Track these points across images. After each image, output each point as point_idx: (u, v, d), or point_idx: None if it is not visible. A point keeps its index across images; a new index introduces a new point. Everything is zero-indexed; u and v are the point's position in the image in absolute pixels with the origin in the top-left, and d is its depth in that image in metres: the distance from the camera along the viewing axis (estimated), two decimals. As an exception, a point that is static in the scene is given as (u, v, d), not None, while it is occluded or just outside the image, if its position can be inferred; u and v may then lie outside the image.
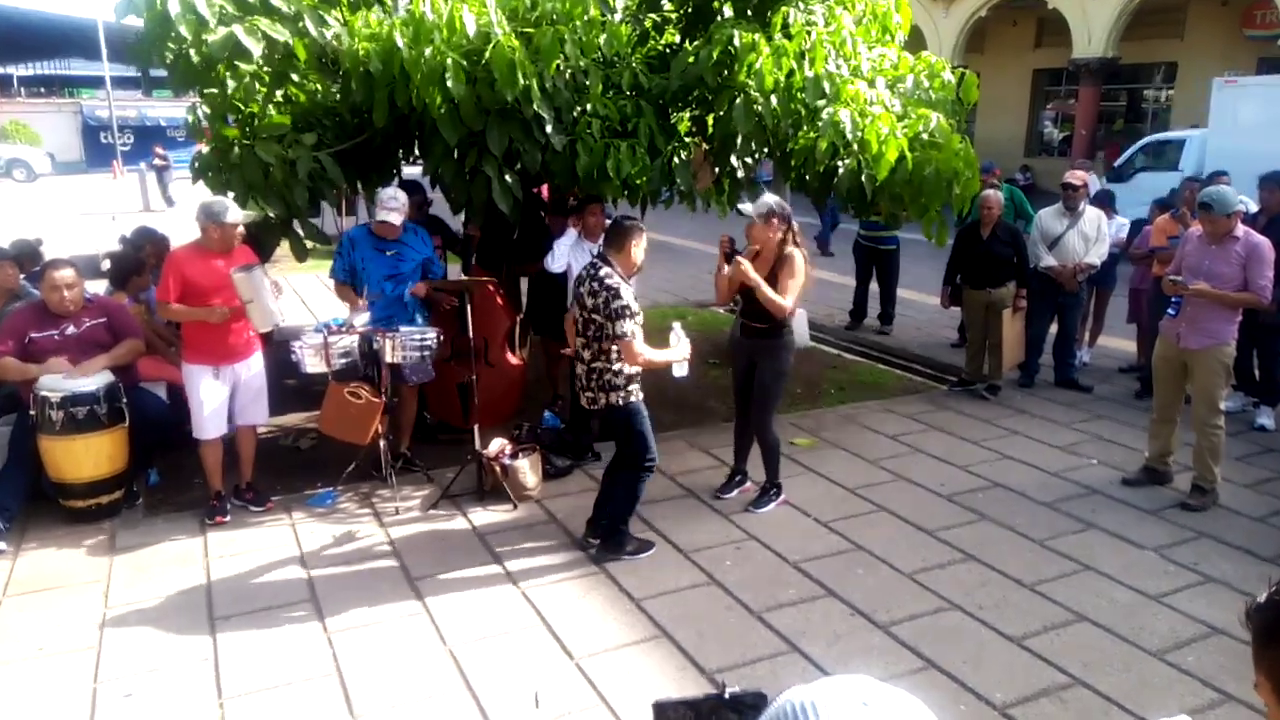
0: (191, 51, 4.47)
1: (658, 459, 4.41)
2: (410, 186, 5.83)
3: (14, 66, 39.75)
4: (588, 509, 4.60)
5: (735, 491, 5.11)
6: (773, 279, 4.66)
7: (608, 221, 5.08)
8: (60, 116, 33.73)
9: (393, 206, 5.00)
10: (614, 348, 4.14)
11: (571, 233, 5.71)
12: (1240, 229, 4.86)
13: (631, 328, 4.07)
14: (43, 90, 40.52)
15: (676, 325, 4.37)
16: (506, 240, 6.28)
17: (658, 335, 4.59)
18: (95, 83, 34.89)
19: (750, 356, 4.91)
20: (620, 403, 4.21)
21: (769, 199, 4.72)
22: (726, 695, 1.25)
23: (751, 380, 4.91)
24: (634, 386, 4.25)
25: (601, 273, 4.14)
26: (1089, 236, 6.83)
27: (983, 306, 6.85)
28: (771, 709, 0.89)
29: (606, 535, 4.39)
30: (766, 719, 0.89)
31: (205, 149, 5.14)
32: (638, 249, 4.28)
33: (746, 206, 4.74)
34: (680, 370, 4.36)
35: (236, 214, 4.57)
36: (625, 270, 4.23)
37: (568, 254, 5.63)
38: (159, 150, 22.46)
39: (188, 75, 4.68)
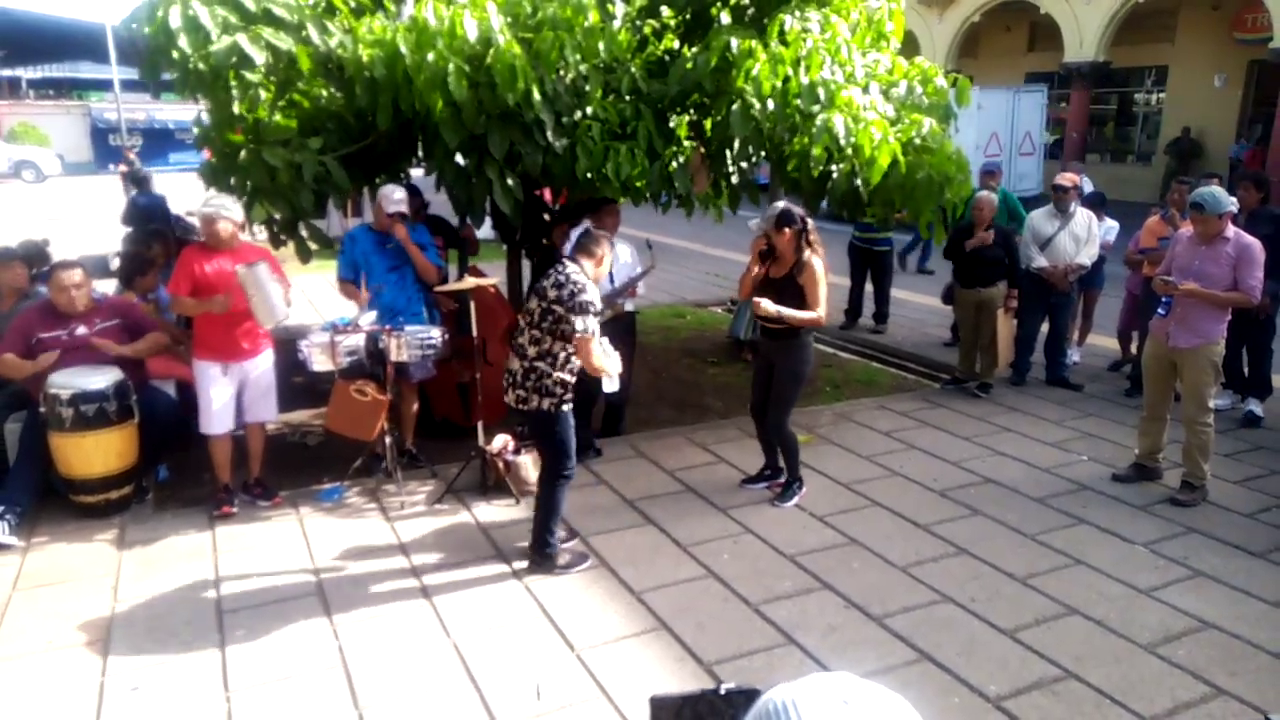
0: (199, 63, 4.54)
1: (575, 471, 4.30)
2: (409, 190, 5.92)
3: (23, 69, 39.61)
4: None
5: (762, 485, 5.20)
6: (793, 284, 4.74)
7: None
8: (69, 118, 33.74)
9: (398, 199, 5.13)
10: (561, 351, 4.06)
11: (586, 224, 5.84)
12: (1230, 229, 4.94)
13: (591, 325, 3.99)
14: (51, 92, 40.35)
15: (605, 341, 4.22)
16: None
17: (656, 332, 4.65)
18: (104, 85, 34.78)
19: (769, 358, 5.00)
20: (551, 410, 4.10)
21: (779, 206, 4.79)
22: (722, 691, 1.27)
23: (769, 381, 5.00)
24: (568, 396, 4.16)
25: (570, 268, 4.08)
26: (1080, 237, 6.93)
27: (973, 306, 6.95)
28: (755, 707, 0.91)
29: (535, 549, 4.25)
30: (751, 717, 0.91)
31: (212, 157, 5.22)
32: (607, 259, 4.28)
33: (754, 222, 4.79)
34: (610, 385, 4.27)
35: (213, 207, 4.61)
36: (593, 276, 4.17)
37: None
38: (129, 155, 21.06)
39: (194, 85, 4.75)
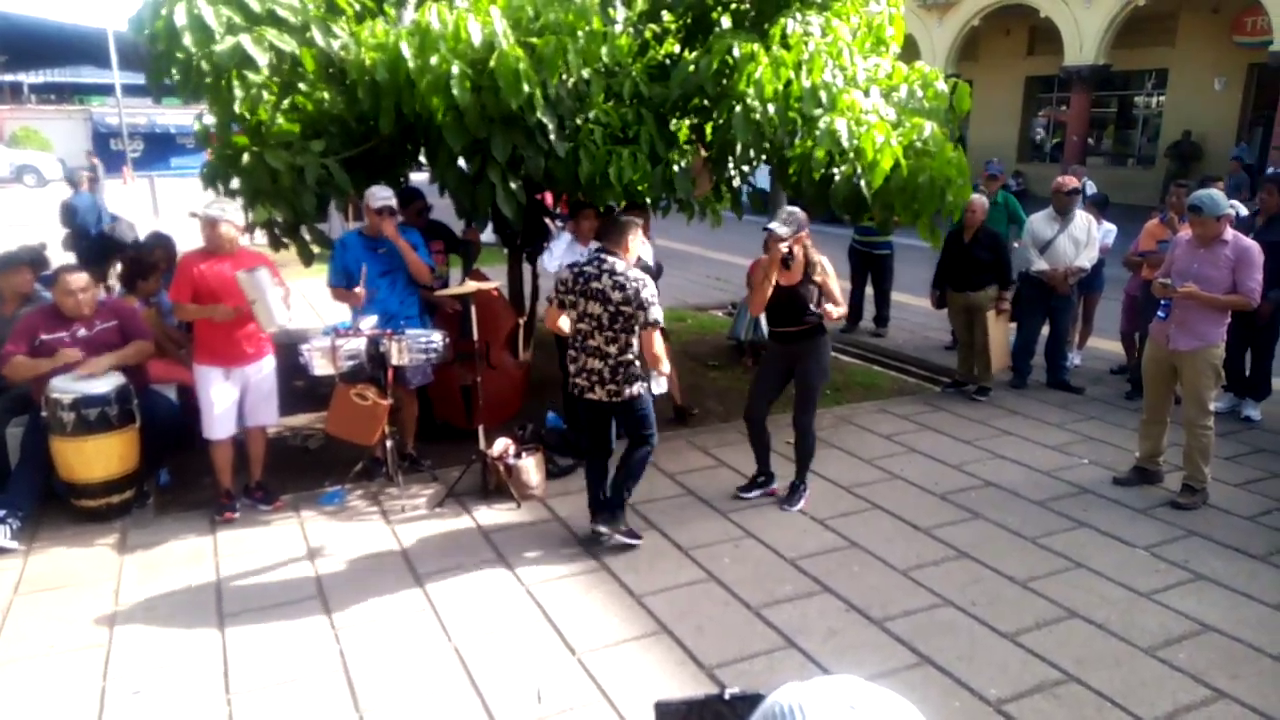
0: (202, 63, 4.55)
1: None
2: (411, 193, 5.92)
3: (25, 74, 39.73)
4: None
5: (757, 493, 5.15)
6: (809, 286, 4.80)
7: None
8: (71, 123, 33.84)
9: (384, 195, 5.06)
10: (635, 341, 4.27)
11: (566, 236, 5.84)
12: (1229, 232, 4.94)
13: (660, 316, 4.25)
14: (53, 97, 40.45)
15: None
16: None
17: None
18: (105, 90, 34.91)
19: (787, 361, 4.99)
20: (640, 392, 4.38)
21: (795, 212, 4.83)
22: (726, 696, 1.26)
23: (777, 386, 5.04)
24: (644, 373, 4.44)
25: (619, 266, 4.23)
26: (1079, 240, 6.93)
27: (962, 309, 6.97)
28: (761, 708, 0.91)
29: (613, 506, 4.51)
30: (757, 719, 0.91)
31: (212, 158, 5.22)
32: (634, 243, 4.38)
33: (775, 225, 4.81)
34: (660, 387, 4.54)
35: (217, 211, 4.62)
36: (630, 264, 4.35)
37: (562, 256, 5.76)
38: (93, 160, 19.76)
39: (197, 86, 4.76)
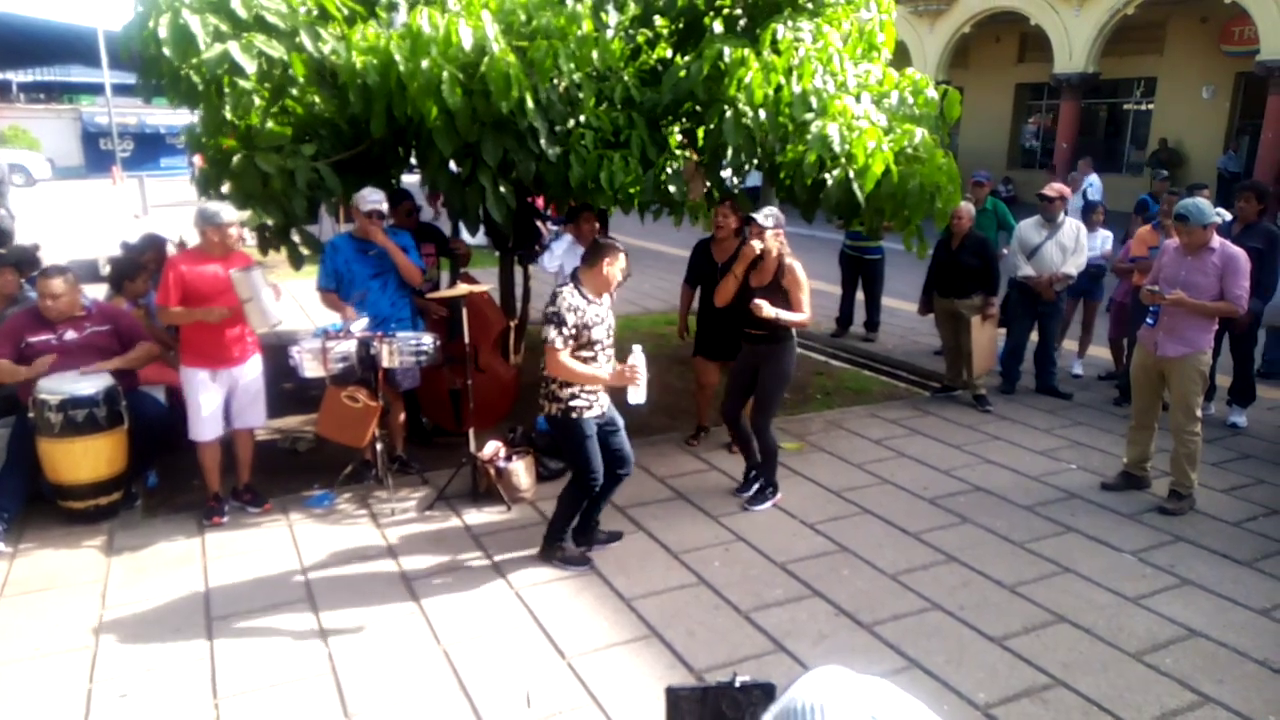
0: (191, 71, 4.54)
1: (599, 482, 4.28)
2: (399, 194, 5.91)
3: (13, 72, 39.48)
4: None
5: (756, 486, 5.22)
6: (777, 287, 4.81)
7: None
8: (60, 122, 33.75)
9: (374, 199, 5.04)
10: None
11: (567, 237, 5.87)
12: (1216, 240, 4.99)
13: (555, 336, 4.01)
14: (42, 96, 40.21)
15: (637, 348, 4.13)
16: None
17: (648, 340, 4.67)
18: (95, 89, 34.70)
19: (754, 361, 5.02)
20: (557, 414, 4.18)
21: (775, 211, 4.87)
22: (737, 684, 1.29)
23: (748, 386, 5.04)
24: (576, 403, 4.17)
25: (564, 291, 4.10)
26: (1067, 247, 6.96)
27: (948, 315, 7.00)
28: (782, 701, 0.90)
29: (545, 541, 4.42)
30: (776, 713, 0.90)
31: (204, 164, 5.21)
32: (611, 269, 4.16)
33: (759, 215, 4.84)
34: (636, 397, 4.14)
35: (231, 214, 4.65)
36: (594, 288, 4.15)
37: (562, 257, 5.78)
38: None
39: (188, 94, 4.75)
